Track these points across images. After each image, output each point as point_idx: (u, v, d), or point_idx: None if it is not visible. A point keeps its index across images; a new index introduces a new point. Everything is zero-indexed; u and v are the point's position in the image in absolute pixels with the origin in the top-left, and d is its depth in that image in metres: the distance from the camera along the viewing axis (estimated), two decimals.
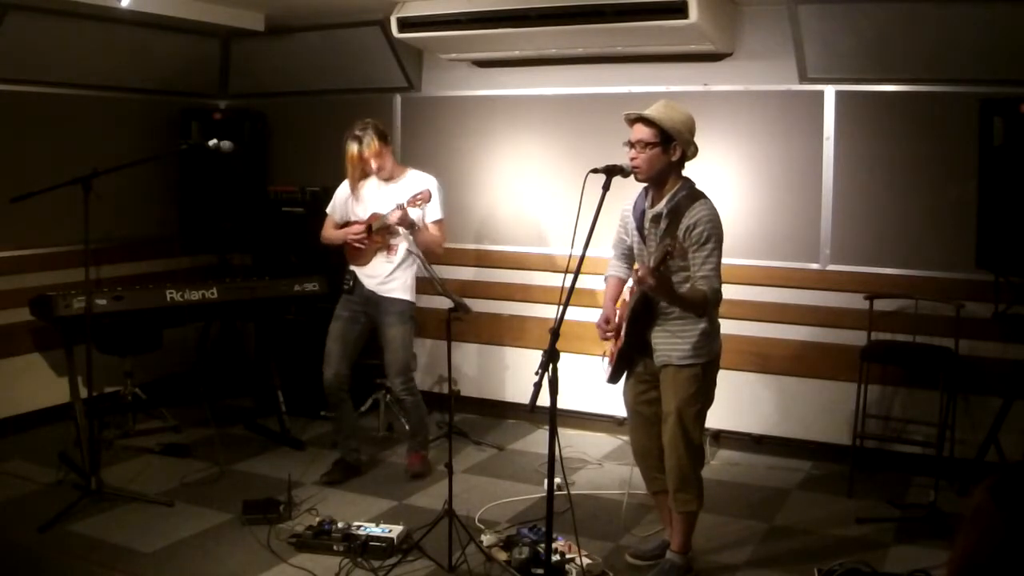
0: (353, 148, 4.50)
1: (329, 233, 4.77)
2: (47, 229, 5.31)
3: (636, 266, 3.68)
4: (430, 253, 4.57)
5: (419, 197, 4.39)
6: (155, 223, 6.18)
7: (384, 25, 5.45)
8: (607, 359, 3.72)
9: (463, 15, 5.00)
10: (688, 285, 3.38)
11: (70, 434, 4.74)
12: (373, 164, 4.51)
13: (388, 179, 4.60)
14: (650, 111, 3.43)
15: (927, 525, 4.03)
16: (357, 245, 4.59)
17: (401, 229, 4.48)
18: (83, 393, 4.64)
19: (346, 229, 4.64)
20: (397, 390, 4.70)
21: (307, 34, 5.92)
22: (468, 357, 5.90)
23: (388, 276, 4.58)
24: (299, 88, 6.27)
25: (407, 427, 4.98)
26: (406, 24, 5.20)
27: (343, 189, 4.73)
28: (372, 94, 6.03)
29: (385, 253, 4.59)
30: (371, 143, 4.47)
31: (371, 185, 4.64)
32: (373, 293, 4.61)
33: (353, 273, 4.67)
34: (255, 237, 6.13)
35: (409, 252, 4.51)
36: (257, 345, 6.02)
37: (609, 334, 3.61)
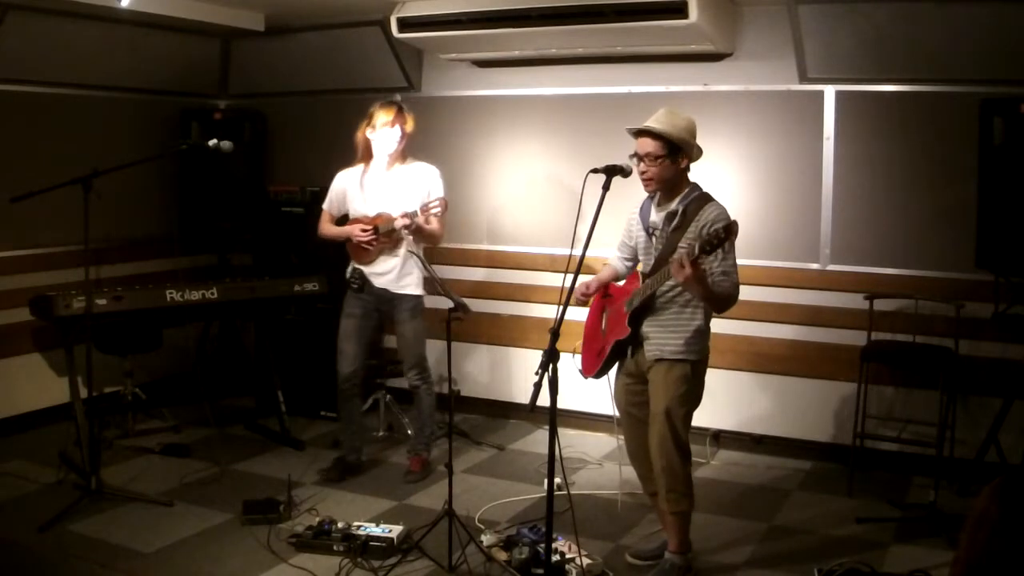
0: (386, 113, 4.44)
1: (328, 230, 4.71)
2: (47, 229, 5.31)
3: (640, 268, 3.69)
4: (431, 245, 4.63)
5: (434, 207, 4.36)
6: (155, 223, 6.18)
7: (384, 25, 5.45)
8: (578, 355, 3.75)
9: (463, 15, 5.00)
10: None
11: (70, 434, 4.74)
12: (397, 136, 4.46)
13: (391, 166, 4.55)
14: (655, 123, 3.40)
15: (927, 525, 4.02)
16: (365, 247, 4.55)
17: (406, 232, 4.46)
18: (83, 393, 4.64)
19: (349, 228, 4.58)
20: (412, 381, 4.71)
21: (307, 34, 5.92)
22: (468, 357, 5.90)
23: (400, 272, 4.56)
24: (299, 88, 6.27)
25: (409, 427, 4.92)
26: (406, 24, 5.20)
27: (339, 182, 4.68)
28: (372, 94, 6.00)
29: (390, 250, 4.56)
30: (409, 117, 4.51)
31: (373, 175, 4.58)
32: (386, 291, 4.59)
33: (360, 271, 4.63)
34: (255, 237, 6.14)
35: (410, 251, 4.49)
36: (257, 345, 6.02)
37: (583, 298, 3.66)
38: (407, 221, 4.37)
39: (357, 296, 4.65)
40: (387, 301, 4.61)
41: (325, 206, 4.74)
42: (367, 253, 4.58)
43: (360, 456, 4.84)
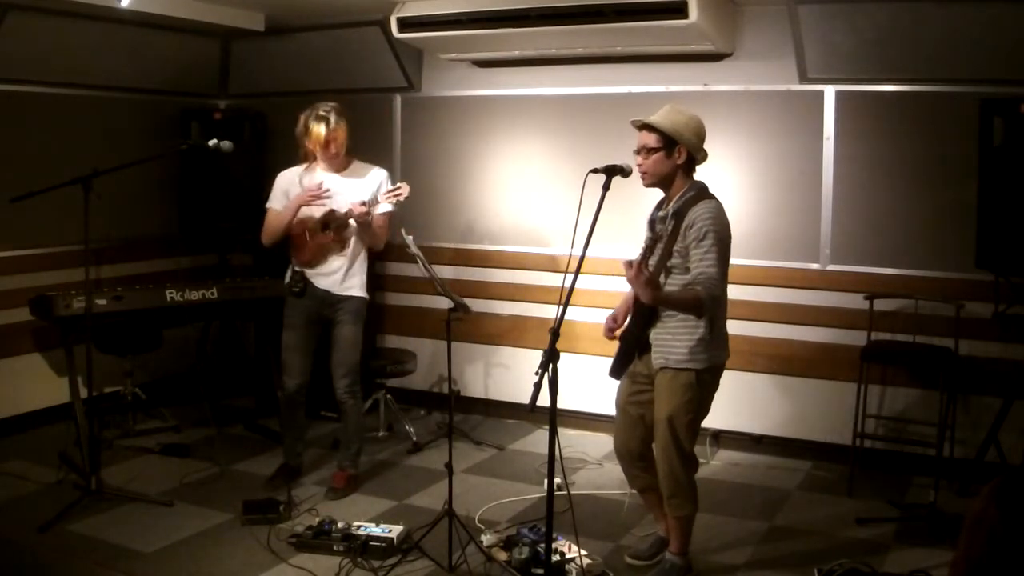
0: (319, 128, 4.22)
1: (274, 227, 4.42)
2: (47, 229, 5.31)
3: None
4: (373, 248, 4.46)
5: (398, 192, 4.20)
6: (155, 223, 6.18)
7: (384, 25, 5.45)
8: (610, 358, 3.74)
9: (463, 15, 5.00)
10: (682, 286, 3.39)
11: (70, 434, 4.74)
12: (332, 149, 4.26)
13: (339, 170, 4.38)
14: (653, 116, 3.44)
15: (927, 525, 4.03)
16: (309, 245, 4.35)
17: (353, 223, 4.27)
18: (83, 393, 4.64)
19: (299, 197, 4.31)
20: (341, 392, 4.42)
21: (307, 34, 5.92)
22: (468, 357, 5.90)
23: (346, 274, 4.37)
24: (299, 88, 6.24)
25: (343, 435, 4.62)
26: (406, 24, 5.20)
27: (285, 180, 4.45)
28: (372, 94, 6.03)
29: (338, 250, 4.38)
30: (340, 125, 4.26)
31: (320, 177, 4.37)
32: (328, 293, 4.37)
33: (301, 274, 4.43)
34: (255, 237, 6.11)
35: (411, 251, 4.42)
36: (257, 345, 6.02)
37: (614, 333, 3.62)
38: (364, 209, 4.17)
39: (298, 303, 4.43)
40: (329, 305, 4.39)
41: (270, 204, 4.46)
42: (312, 253, 4.38)
43: (301, 459, 4.74)
